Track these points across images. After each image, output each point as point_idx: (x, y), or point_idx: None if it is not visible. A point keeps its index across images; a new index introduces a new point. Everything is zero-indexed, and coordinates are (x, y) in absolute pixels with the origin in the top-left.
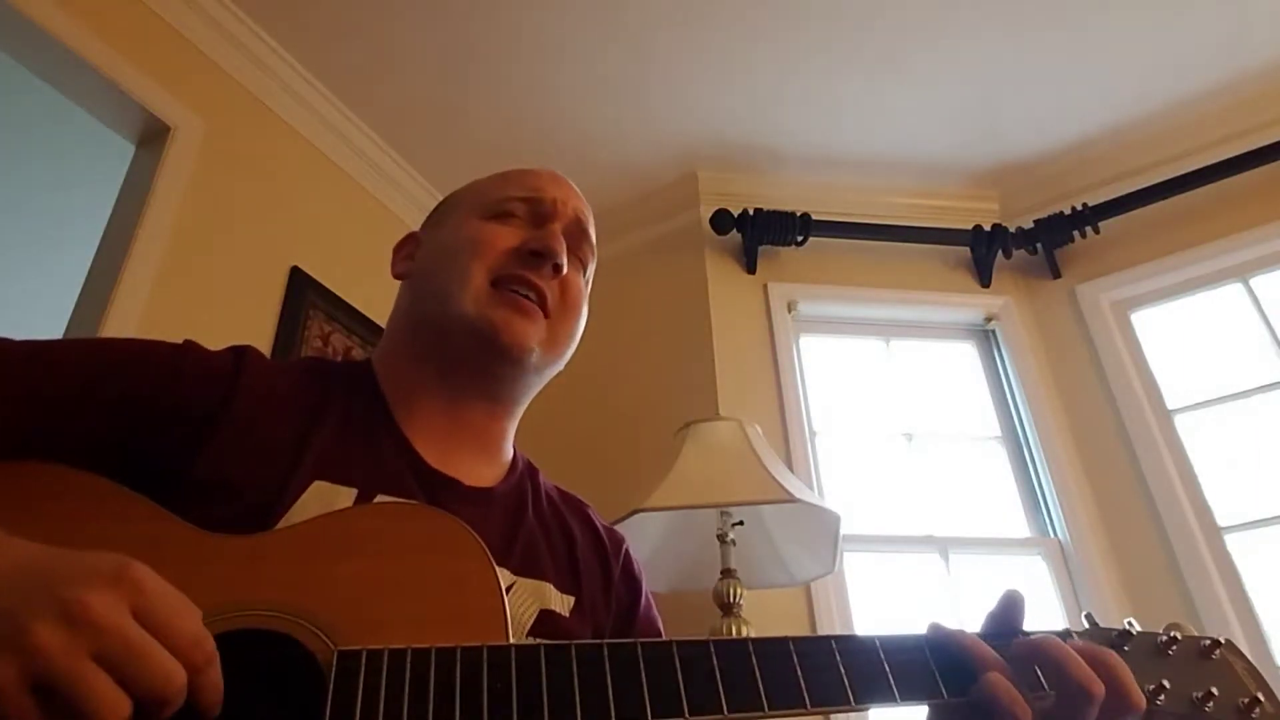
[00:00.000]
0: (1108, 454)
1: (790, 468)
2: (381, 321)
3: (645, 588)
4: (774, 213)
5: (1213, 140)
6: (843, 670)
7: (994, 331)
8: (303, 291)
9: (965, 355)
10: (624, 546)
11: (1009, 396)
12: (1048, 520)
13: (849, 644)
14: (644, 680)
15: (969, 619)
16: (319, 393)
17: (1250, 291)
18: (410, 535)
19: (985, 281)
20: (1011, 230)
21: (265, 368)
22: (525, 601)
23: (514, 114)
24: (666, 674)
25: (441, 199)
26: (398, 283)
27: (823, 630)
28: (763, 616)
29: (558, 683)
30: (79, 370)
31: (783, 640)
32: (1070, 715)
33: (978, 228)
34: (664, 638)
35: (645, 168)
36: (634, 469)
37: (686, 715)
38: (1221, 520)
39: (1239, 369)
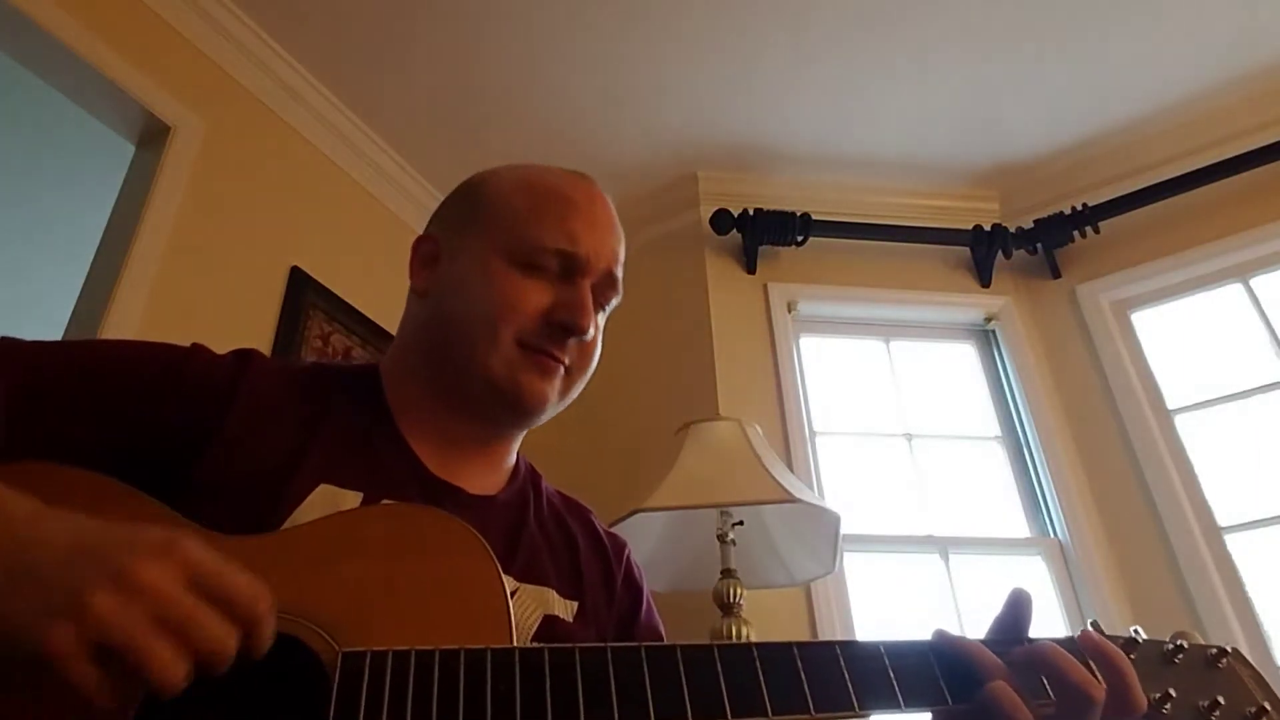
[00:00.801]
0: (1108, 454)
1: (790, 468)
2: (381, 322)
3: (646, 592)
4: (774, 213)
5: (1213, 140)
6: (846, 675)
7: (994, 331)
8: (303, 291)
9: (965, 355)
10: (626, 551)
11: (1009, 396)
12: (1048, 520)
13: (853, 649)
14: (648, 683)
15: (969, 619)
16: (323, 397)
17: (1250, 291)
18: (415, 537)
19: (985, 281)
20: (1011, 230)
21: (270, 371)
22: (529, 607)
23: (514, 114)
24: (670, 678)
25: (465, 188)
26: (398, 282)
27: (823, 630)
28: (763, 616)
29: (561, 685)
30: (84, 371)
31: (787, 645)
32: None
33: (978, 228)
34: (666, 642)
35: (645, 168)
36: (634, 469)
37: (689, 719)
38: (1221, 520)
39: (1239, 369)
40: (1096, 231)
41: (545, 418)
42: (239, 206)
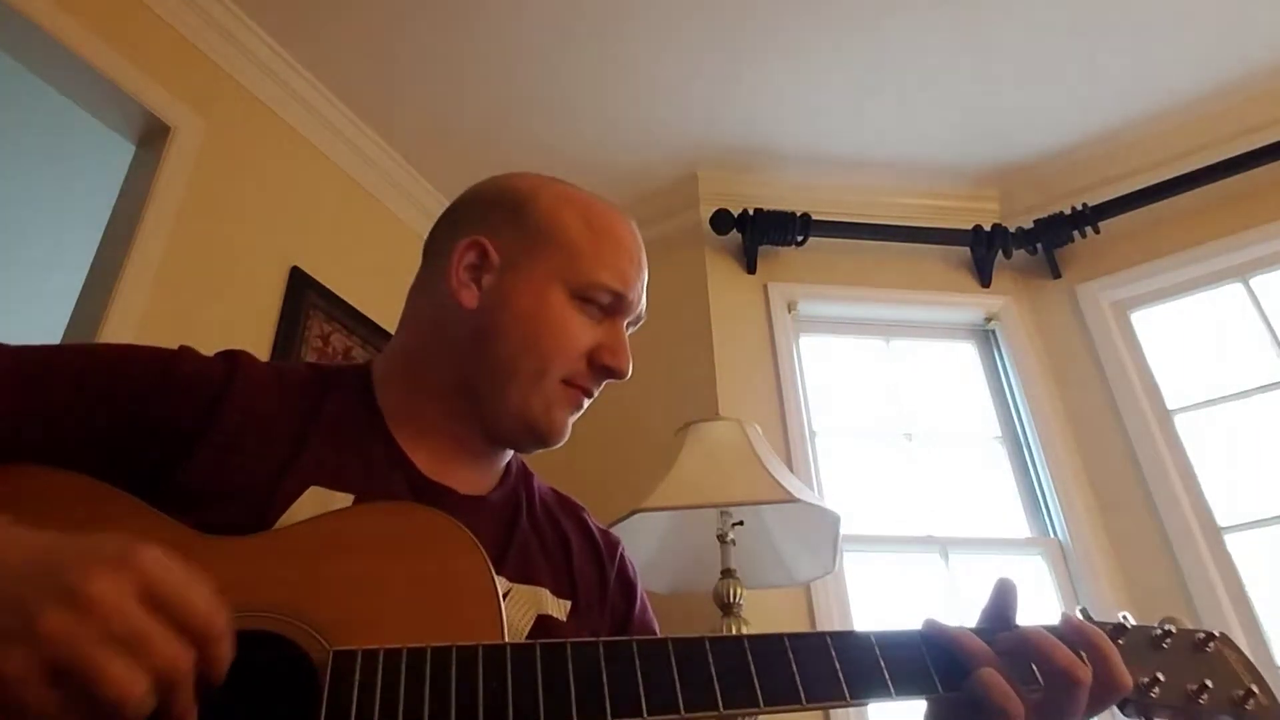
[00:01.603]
0: (1108, 454)
1: (790, 468)
2: (382, 322)
3: (640, 590)
4: (774, 213)
5: (1213, 140)
6: (838, 666)
7: (994, 331)
8: (303, 291)
9: (965, 355)
10: (619, 549)
11: (1009, 396)
12: (1048, 520)
13: (844, 640)
14: (639, 677)
15: (969, 620)
16: (313, 399)
17: (1250, 291)
18: (407, 536)
19: (985, 281)
20: (1011, 230)
21: (257, 373)
22: (522, 608)
23: (514, 114)
24: (662, 671)
25: (511, 196)
26: (398, 282)
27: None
28: (763, 617)
29: (553, 681)
30: (71, 375)
31: (778, 637)
32: (1060, 703)
33: (978, 228)
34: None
35: (645, 168)
36: (634, 469)
37: (681, 712)
38: (1221, 520)
39: (1239, 369)
40: (1096, 231)
41: None
42: (239, 206)
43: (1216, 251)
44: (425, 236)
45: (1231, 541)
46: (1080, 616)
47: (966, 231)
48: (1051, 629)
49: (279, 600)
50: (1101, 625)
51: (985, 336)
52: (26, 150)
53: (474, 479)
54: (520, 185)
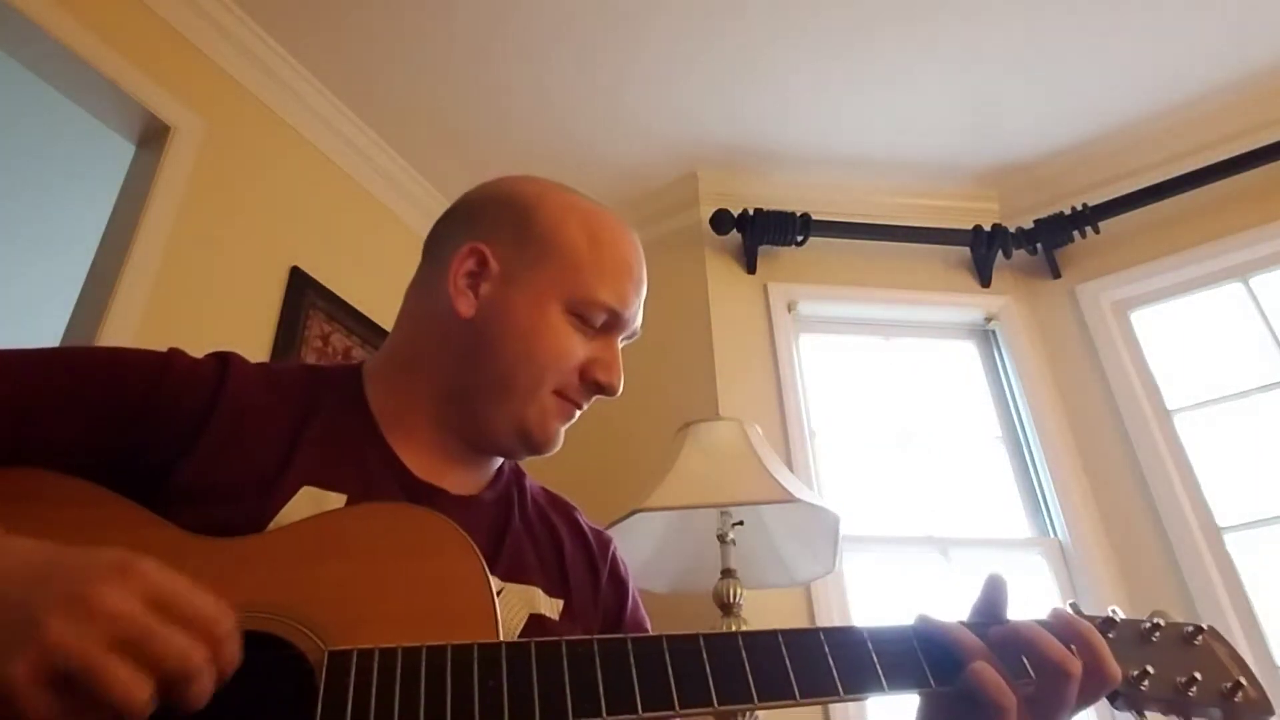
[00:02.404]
0: (1108, 454)
1: (790, 468)
2: (382, 322)
3: (633, 589)
4: (774, 213)
5: (1212, 140)
6: (831, 661)
7: (994, 331)
8: (303, 291)
9: (965, 355)
10: (611, 548)
11: (1009, 396)
12: (1048, 520)
13: (838, 636)
14: (634, 674)
15: (963, 615)
16: (305, 399)
17: (1250, 291)
18: (401, 536)
19: (985, 281)
20: (1011, 230)
21: (249, 375)
22: (515, 607)
23: (515, 114)
24: (656, 668)
25: (514, 202)
26: (397, 282)
27: None
28: (763, 616)
29: (549, 679)
30: (62, 378)
31: (772, 633)
32: (1051, 696)
33: (977, 228)
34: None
35: (645, 168)
36: (634, 469)
37: (677, 708)
38: (1221, 520)
39: (1239, 369)
40: (1096, 231)
41: None
42: (239, 206)
43: (1216, 251)
44: (425, 237)
45: (1231, 541)
46: (1070, 610)
47: (966, 231)
48: (1042, 623)
49: (274, 600)
50: (1091, 619)
51: (985, 336)
52: (26, 150)
53: (466, 479)
54: (526, 191)
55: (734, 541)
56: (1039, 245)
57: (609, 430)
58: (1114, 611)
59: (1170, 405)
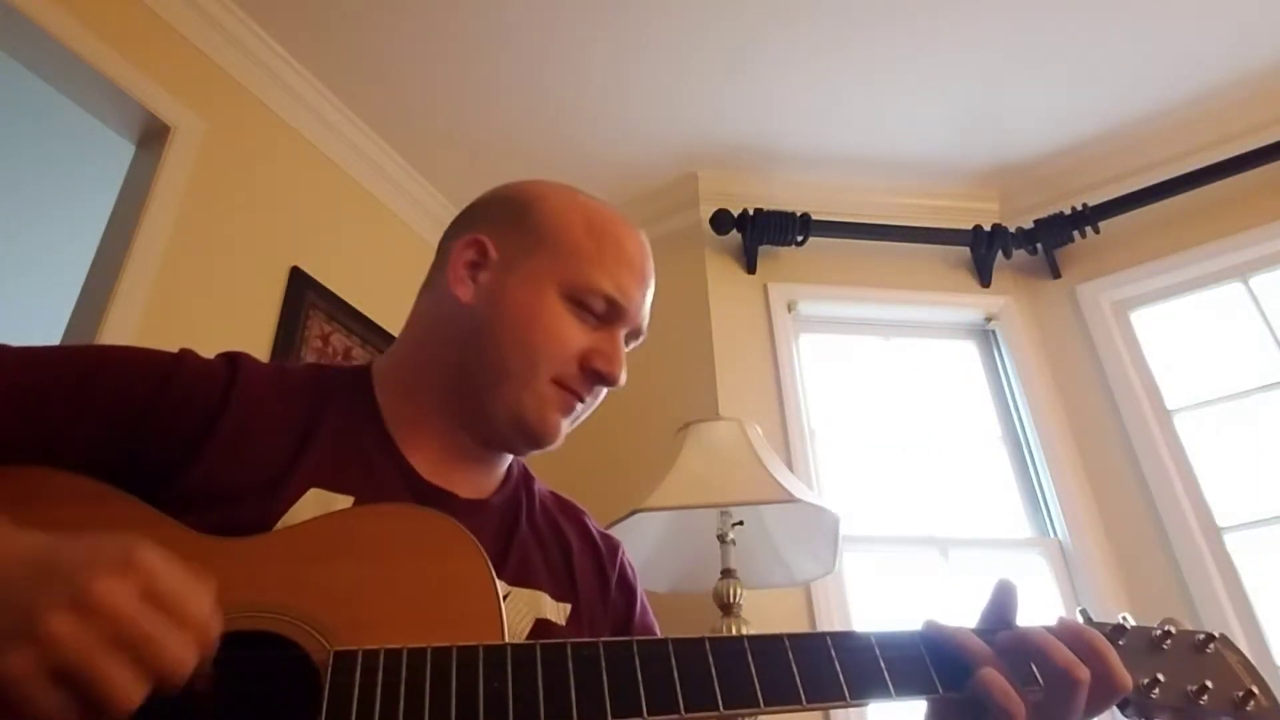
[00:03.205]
0: (1108, 454)
1: (790, 468)
2: (382, 322)
3: (641, 592)
4: (774, 213)
5: (1212, 140)
6: (838, 667)
7: (994, 331)
8: (303, 291)
9: (965, 355)
10: (620, 552)
11: (1009, 396)
12: (1048, 520)
13: (844, 641)
14: (640, 677)
15: (968, 619)
16: (315, 401)
17: (1250, 291)
18: (408, 538)
19: (985, 281)
20: (1011, 230)
21: (259, 375)
22: (521, 611)
23: (515, 114)
24: (662, 671)
25: (517, 196)
26: (397, 282)
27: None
28: (763, 616)
29: (553, 681)
30: (73, 378)
31: (778, 637)
32: (1060, 703)
33: (978, 228)
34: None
35: (645, 168)
36: (634, 469)
37: (682, 712)
38: (1221, 520)
39: (1239, 369)
40: (1096, 231)
41: None
42: (239, 206)
43: (1216, 251)
44: (425, 236)
45: (1231, 541)
46: (1080, 618)
47: (966, 231)
48: (1051, 629)
49: (280, 600)
50: (1101, 626)
51: (985, 336)
52: (26, 150)
53: (474, 483)
54: (531, 189)
55: (734, 541)
56: (1039, 245)
57: (609, 430)
58: (1124, 618)
59: (1170, 405)
